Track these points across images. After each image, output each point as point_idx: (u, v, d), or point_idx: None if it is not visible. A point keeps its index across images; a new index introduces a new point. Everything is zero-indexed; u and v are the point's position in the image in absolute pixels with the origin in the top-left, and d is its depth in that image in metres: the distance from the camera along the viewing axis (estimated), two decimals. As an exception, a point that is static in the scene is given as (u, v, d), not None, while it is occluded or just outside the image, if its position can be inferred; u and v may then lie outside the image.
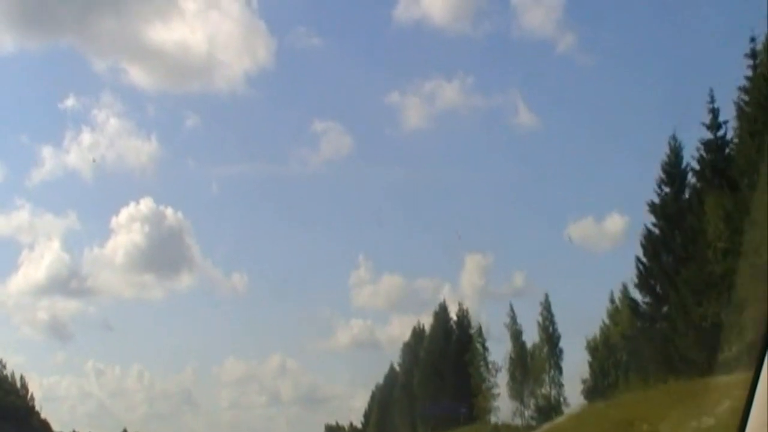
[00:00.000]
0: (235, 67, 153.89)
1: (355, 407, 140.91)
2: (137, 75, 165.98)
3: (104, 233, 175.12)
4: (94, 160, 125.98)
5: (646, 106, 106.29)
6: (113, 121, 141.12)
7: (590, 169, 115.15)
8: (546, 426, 57.40)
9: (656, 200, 48.59)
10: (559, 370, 72.57)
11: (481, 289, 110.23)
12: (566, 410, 65.51)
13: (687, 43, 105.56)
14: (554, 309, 71.53)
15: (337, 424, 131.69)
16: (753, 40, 41.66)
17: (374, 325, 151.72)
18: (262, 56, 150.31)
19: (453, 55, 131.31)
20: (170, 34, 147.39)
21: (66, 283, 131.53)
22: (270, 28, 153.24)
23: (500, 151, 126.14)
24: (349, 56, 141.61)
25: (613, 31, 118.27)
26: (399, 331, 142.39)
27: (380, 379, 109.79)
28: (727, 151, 44.72)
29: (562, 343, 71.64)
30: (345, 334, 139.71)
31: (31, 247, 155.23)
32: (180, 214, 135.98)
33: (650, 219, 48.46)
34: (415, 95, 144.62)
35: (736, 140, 43.07)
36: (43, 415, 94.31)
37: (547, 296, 73.22)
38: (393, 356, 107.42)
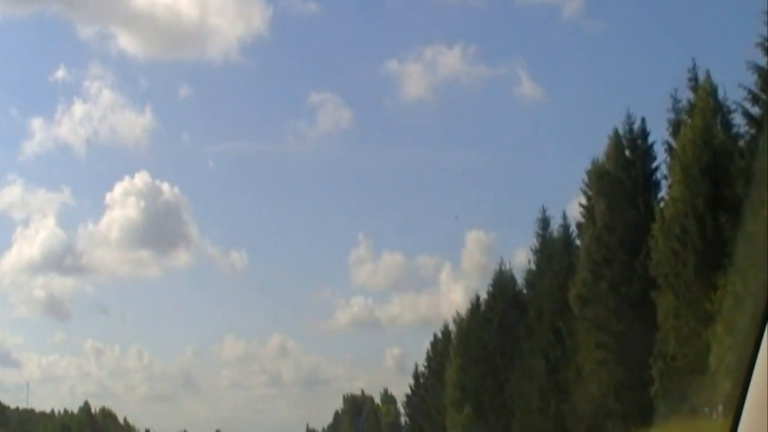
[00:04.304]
0: (228, 34, 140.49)
1: (356, 388, 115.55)
2: (127, 42, 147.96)
3: (99, 208, 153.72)
4: (88, 141, 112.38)
5: (656, 75, 75.07)
6: (106, 93, 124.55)
7: (596, 142, 56.61)
8: None
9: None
10: None
11: (483, 267, 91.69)
12: None
13: (700, 7, 79.92)
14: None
15: (362, 392, 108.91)
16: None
17: (374, 304, 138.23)
18: (256, 23, 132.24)
19: (454, 22, 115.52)
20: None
21: (60, 260, 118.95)
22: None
23: (503, 123, 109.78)
24: (345, 22, 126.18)
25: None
26: (399, 310, 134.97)
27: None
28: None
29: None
30: (345, 313, 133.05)
31: (26, 224, 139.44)
32: (176, 189, 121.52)
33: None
34: (414, 63, 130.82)
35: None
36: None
37: None
38: (393, 336, 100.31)
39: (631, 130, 38.37)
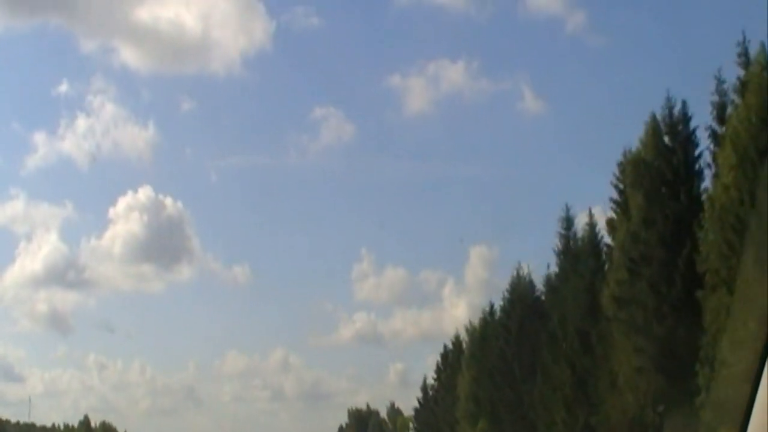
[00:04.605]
0: (231, 48, 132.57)
1: (358, 403, 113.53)
2: (129, 56, 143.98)
3: (102, 223, 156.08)
4: (93, 157, 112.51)
5: (661, 90, 44.22)
6: (108, 107, 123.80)
7: (599, 156, 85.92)
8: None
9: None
10: None
11: (486, 282, 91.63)
12: None
13: (703, 22, 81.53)
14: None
15: (368, 406, 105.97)
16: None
17: (377, 319, 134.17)
18: (259, 37, 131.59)
19: (457, 37, 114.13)
20: (163, 11, 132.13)
21: (63, 274, 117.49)
22: (267, 7, 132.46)
23: (506, 138, 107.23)
24: (348, 36, 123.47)
25: (626, 8, 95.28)
26: (402, 325, 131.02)
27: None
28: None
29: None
30: (348, 328, 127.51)
31: (29, 238, 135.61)
32: (180, 204, 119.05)
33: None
34: (417, 77, 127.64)
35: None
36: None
37: None
38: (395, 352, 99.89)
39: (670, 115, 34.83)
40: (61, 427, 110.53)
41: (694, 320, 30.73)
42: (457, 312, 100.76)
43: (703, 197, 33.47)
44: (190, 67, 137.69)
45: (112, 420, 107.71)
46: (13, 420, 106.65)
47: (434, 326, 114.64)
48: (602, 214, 45.58)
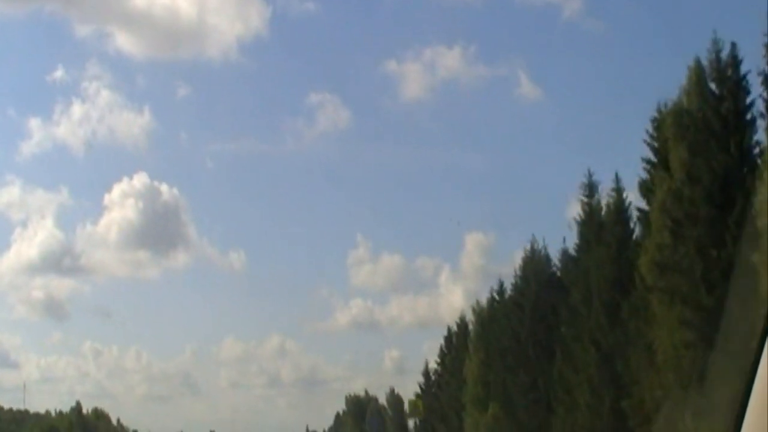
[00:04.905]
0: (227, 33, 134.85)
1: (354, 389, 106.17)
2: (124, 42, 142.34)
3: (97, 209, 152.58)
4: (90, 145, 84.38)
5: (658, 76, 66.67)
6: (104, 93, 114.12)
7: (596, 143, 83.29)
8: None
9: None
10: None
11: (482, 269, 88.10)
12: None
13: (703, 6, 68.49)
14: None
15: (366, 392, 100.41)
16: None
17: (373, 306, 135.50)
18: (255, 22, 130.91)
19: (453, 22, 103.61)
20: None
21: (59, 261, 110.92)
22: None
23: (502, 124, 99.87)
24: (344, 22, 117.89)
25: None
26: (398, 311, 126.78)
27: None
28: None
29: None
30: (344, 314, 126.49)
31: (24, 225, 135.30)
32: (175, 190, 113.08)
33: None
34: (414, 63, 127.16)
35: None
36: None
37: None
38: (391, 338, 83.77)
39: (717, 59, 30.71)
40: (53, 414, 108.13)
41: (749, 287, 26.80)
42: (453, 298, 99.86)
43: (756, 150, 29.59)
44: (185, 52, 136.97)
45: (108, 406, 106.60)
46: (7, 407, 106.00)
47: (430, 313, 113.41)
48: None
